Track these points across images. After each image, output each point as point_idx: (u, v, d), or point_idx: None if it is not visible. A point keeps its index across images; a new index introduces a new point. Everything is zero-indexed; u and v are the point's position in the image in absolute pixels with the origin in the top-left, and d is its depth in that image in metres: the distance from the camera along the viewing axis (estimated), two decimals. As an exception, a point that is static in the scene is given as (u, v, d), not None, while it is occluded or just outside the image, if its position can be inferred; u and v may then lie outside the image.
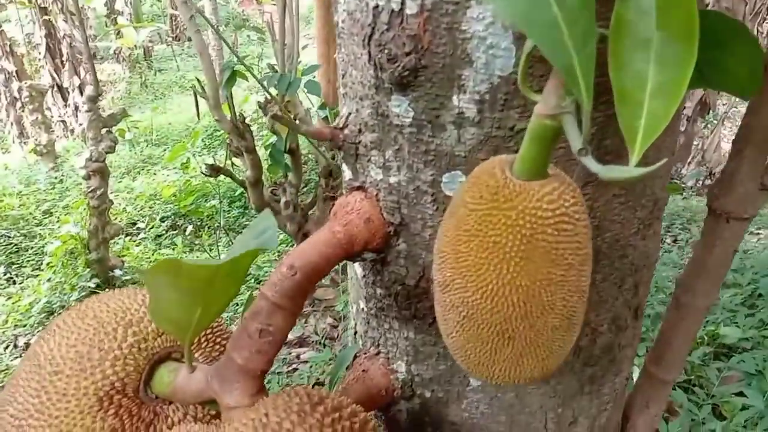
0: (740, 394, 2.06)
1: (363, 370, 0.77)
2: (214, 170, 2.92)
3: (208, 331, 0.72)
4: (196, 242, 5.00)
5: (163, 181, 5.87)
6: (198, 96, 2.66)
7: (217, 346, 0.72)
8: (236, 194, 5.40)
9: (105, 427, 0.63)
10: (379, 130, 0.63)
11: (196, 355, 0.71)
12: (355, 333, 0.84)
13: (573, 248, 0.44)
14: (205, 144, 6.62)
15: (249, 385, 0.59)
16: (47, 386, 0.64)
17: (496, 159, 0.46)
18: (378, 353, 0.78)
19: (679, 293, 0.84)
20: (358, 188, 0.68)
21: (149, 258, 4.79)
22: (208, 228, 5.21)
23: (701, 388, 2.08)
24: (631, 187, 0.64)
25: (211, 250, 4.64)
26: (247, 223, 5.21)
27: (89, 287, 4.09)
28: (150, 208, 5.57)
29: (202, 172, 2.95)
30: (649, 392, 0.93)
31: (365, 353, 0.79)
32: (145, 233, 5.23)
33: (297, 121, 2.81)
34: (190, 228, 5.18)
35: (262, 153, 3.42)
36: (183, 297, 0.53)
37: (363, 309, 0.79)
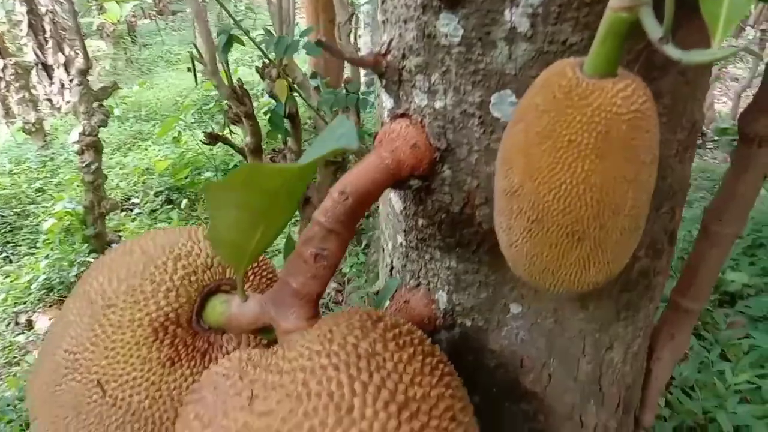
0: (746, 337, 2.11)
1: (405, 301, 0.77)
2: (213, 138, 2.90)
3: (255, 264, 0.72)
4: (193, 215, 4.99)
5: (155, 156, 5.82)
6: (195, 62, 2.63)
7: (264, 279, 0.72)
8: (231, 166, 5.37)
9: (161, 356, 0.63)
10: (424, 53, 0.63)
11: (245, 287, 0.71)
12: (391, 270, 0.85)
13: (646, 146, 0.44)
14: (195, 118, 6.56)
15: (305, 310, 0.60)
16: (101, 319, 0.64)
17: (564, 61, 0.46)
18: (418, 285, 0.79)
19: (708, 221, 0.85)
20: (402, 115, 0.68)
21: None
22: (203, 201, 5.19)
23: (708, 333, 2.12)
24: (674, 107, 0.65)
25: (207, 222, 4.63)
26: (243, 194, 5.19)
27: (88, 262, 4.07)
28: (143, 183, 5.53)
29: (201, 141, 2.93)
30: (675, 323, 0.95)
31: (406, 286, 0.80)
32: (140, 208, 5.20)
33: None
34: (185, 201, 5.16)
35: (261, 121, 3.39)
36: (245, 216, 0.53)
37: (401, 243, 0.79)
